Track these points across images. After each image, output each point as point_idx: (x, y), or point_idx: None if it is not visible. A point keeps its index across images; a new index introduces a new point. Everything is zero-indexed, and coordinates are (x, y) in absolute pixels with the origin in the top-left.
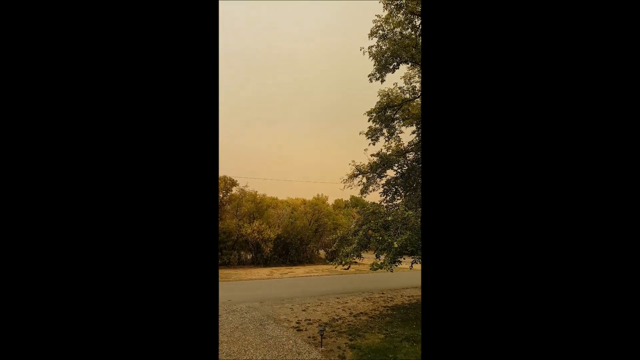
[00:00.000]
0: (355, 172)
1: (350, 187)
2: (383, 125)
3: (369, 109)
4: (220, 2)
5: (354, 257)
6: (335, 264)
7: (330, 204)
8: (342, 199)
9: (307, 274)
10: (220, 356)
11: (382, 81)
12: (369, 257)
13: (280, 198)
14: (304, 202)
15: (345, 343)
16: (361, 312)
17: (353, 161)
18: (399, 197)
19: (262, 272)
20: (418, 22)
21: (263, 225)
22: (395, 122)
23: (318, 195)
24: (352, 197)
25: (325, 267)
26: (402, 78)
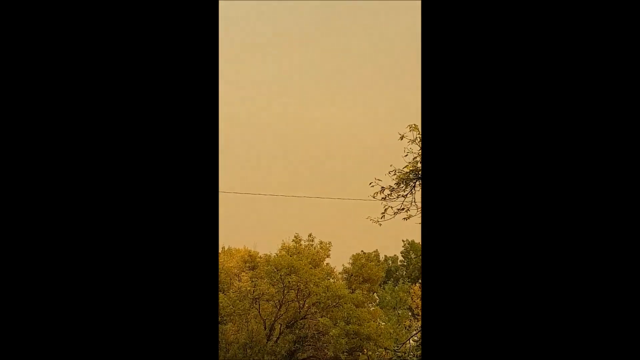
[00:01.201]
0: (417, 165)
1: (403, 214)
2: None
3: None
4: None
5: None
6: None
7: (339, 269)
8: (375, 252)
9: None
10: None
11: None
12: None
13: None
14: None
15: None
16: None
17: (403, 137)
18: None
19: None
20: None
21: None
22: None
23: (284, 245)
24: (408, 244)
25: None
26: None
